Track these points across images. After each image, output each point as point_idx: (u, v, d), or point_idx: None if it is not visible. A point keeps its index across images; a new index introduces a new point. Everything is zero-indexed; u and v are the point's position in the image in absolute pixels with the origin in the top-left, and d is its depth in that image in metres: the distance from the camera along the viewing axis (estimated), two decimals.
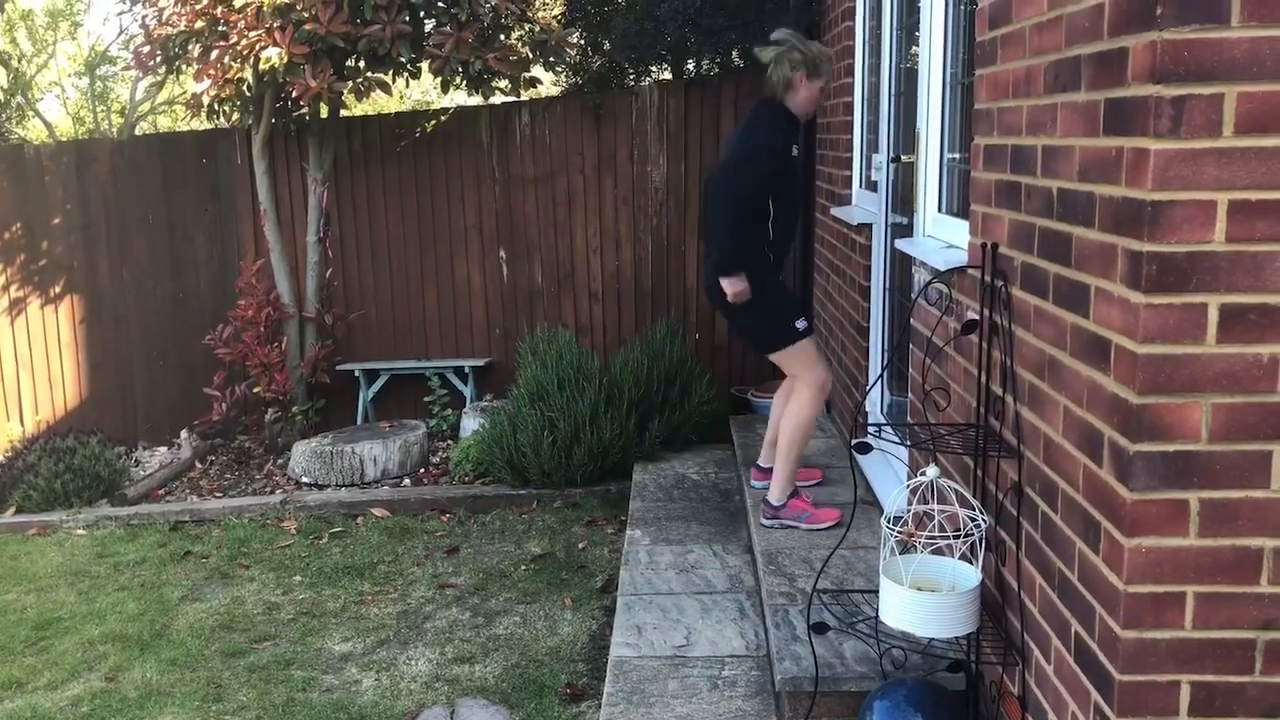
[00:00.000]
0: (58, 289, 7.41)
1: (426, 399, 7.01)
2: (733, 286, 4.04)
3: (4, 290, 7.41)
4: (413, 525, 5.59)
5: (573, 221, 6.98)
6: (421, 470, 6.41)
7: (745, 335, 4.25)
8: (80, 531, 5.84)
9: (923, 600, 2.53)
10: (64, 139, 10.28)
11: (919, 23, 3.87)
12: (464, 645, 4.17)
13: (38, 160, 7.36)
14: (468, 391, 6.98)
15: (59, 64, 11.49)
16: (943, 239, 3.54)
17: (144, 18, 6.33)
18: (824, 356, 4.27)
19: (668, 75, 7.87)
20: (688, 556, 4.37)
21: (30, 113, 11.74)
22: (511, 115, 6.95)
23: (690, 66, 7.84)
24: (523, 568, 4.92)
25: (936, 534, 2.66)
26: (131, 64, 6.53)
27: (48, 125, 10.78)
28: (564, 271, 7.03)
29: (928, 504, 2.75)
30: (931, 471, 2.64)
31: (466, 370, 7.01)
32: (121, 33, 11.83)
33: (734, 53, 7.33)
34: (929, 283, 3.35)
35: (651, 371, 5.94)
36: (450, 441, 6.83)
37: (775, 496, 4.23)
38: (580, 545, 5.18)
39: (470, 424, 6.50)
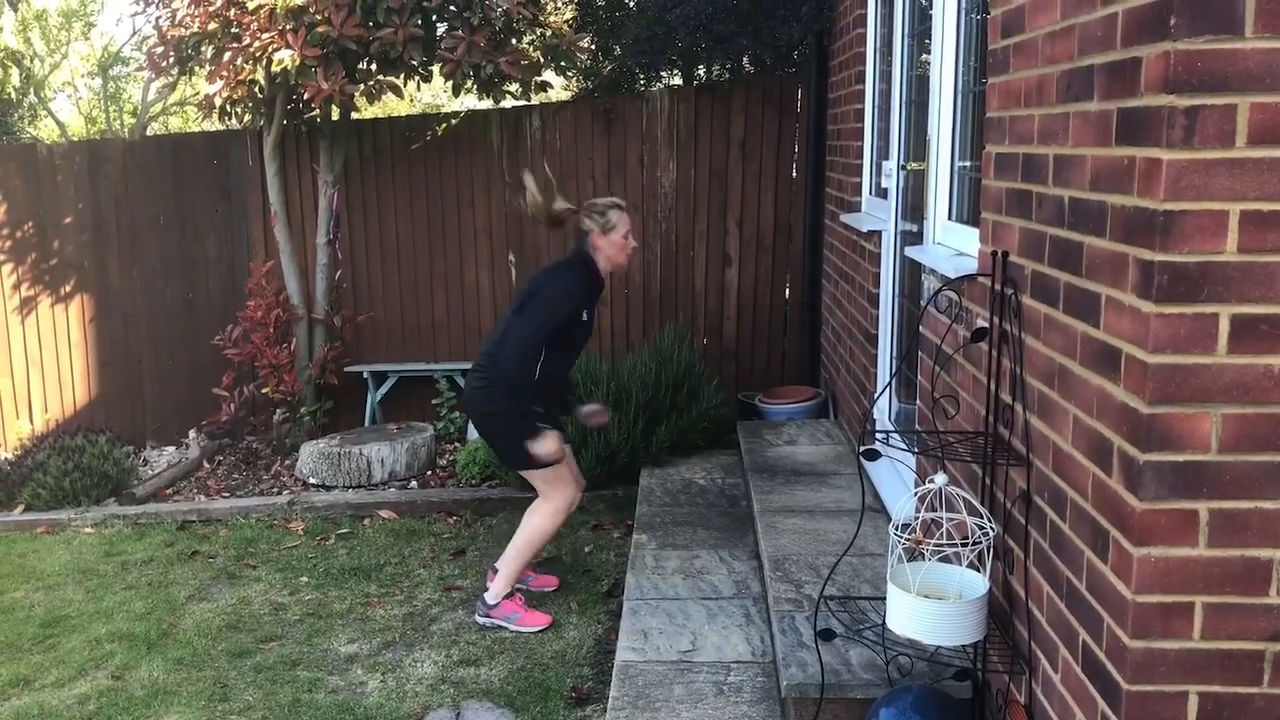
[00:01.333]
0: (68, 288, 7.44)
1: (434, 401, 7.02)
2: (542, 447, 4.11)
3: (15, 289, 7.44)
4: (419, 527, 5.60)
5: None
6: (429, 472, 6.41)
7: (497, 450, 4.42)
8: (88, 530, 5.85)
9: (930, 608, 2.53)
10: (76, 139, 10.33)
11: (930, 30, 3.87)
12: (470, 648, 4.18)
13: (50, 160, 7.40)
14: None
15: (72, 64, 11.54)
16: (953, 247, 3.54)
17: (157, 19, 6.36)
18: (573, 480, 4.37)
19: (678, 80, 7.88)
20: (694, 562, 4.37)
21: (43, 112, 11.79)
22: (522, 119, 6.97)
23: (700, 72, 7.86)
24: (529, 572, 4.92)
25: (944, 542, 2.66)
26: (144, 65, 6.56)
27: (60, 125, 10.83)
28: None
29: (936, 512, 2.75)
30: (940, 479, 2.64)
31: None
32: (135, 34, 11.89)
33: (745, 59, 7.34)
34: (939, 290, 3.35)
35: (659, 376, 5.94)
36: (457, 444, 6.83)
37: (491, 595, 4.36)
38: (586, 549, 5.18)
39: None
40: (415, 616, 4.50)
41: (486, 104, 6.73)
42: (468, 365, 6.99)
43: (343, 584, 4.88)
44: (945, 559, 2.72)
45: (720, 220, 6.88)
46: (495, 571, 4.46)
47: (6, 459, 6.83)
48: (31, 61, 10.92)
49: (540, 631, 4.28)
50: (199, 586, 4.96)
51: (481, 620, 4.36)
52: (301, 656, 4.17)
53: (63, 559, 5.42)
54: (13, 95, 10.54)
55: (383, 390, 7.13)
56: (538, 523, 4.31)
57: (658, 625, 3.78)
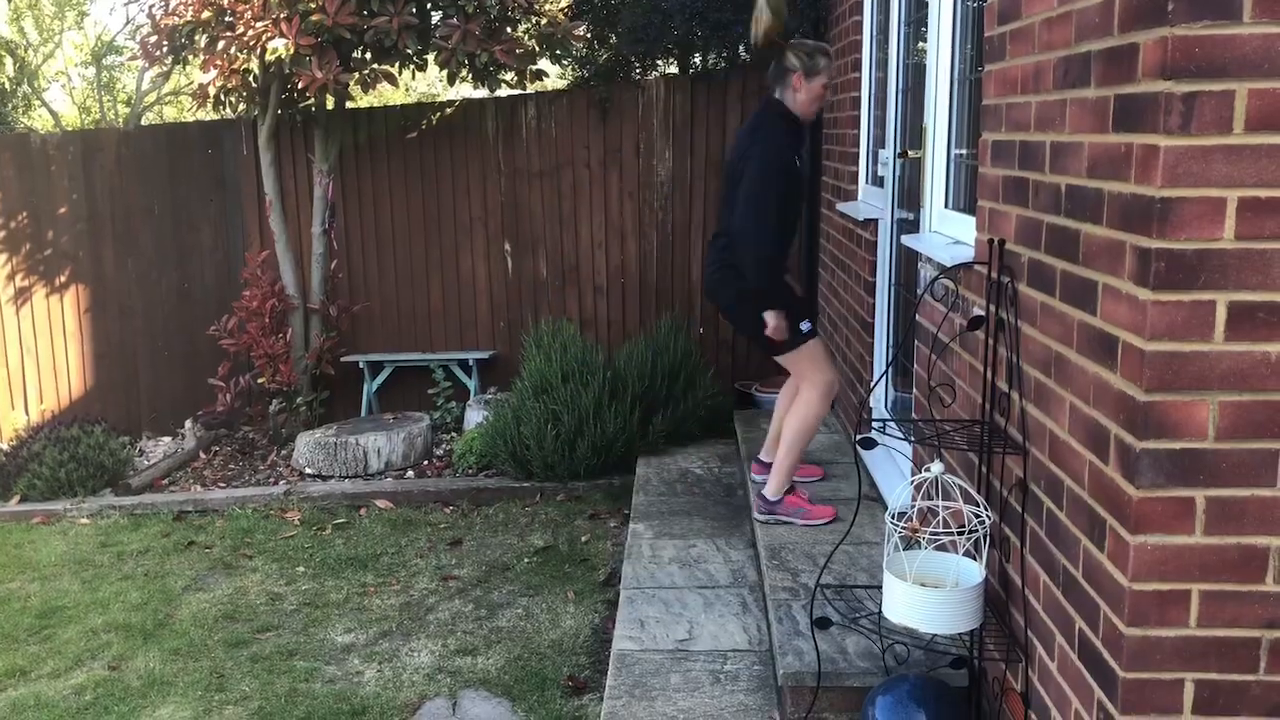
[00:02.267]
0: (63, 278, 7.41)
1: (430, 391, 7.01)
2: (774, 320, 4.00)
3: (10, 279, 7.41)
4: (416, 517, 5.60)
5: (578, 215, 6.97)
6: (425, 462, 6.41)
7: (752, 336, 4.24)
8: (84, 520, 5.85)
9: (926, 596, 2.53)
10: (70, 129, 10.28)
11: (927, 18, 3.86)
12: (466, 637, 4.18)
13: (44, 150, 7.36)
14: (471, 384, 6.98)
15: (66, 53, 11.49)
16: (949, 235, 3.54)
17: (151, 8, 6.32)
18: (831, 358, 4.26)
19: (674, 69, 7.85)
20: (691, 550, 4.37)
21: (36, 102, 11.74)
22: (517, 108, 6.94)
23: (697, 61, 7.83)
24: (525, 560, 4.92)
25: (941, 530, 2.66)
26: (138, 54, 6.52)
27: (54, 115, 10.78)
28: (569, 265, 7.02)
29: (932, 500, 2.74)
30: (936, 467, 2.64)
31: (470, 363, 7.01)
32: (128, 23, 11.83)
33: (741, 47, 7.32)
34: (935, 279, 3.34)
35: (656, 365, 5.94)
36: (454, 434, 6.83)
37: (772, 491, 4.23)
38: (583, 538, 5.18)
39: (474, 416, 6.50)
40: (412, 606, 4.50)
41: (482, 93, 6.71)
42: (464, 355, 7.00)
43: (339, 574, 4.88)
44: (941, 547, 2.72)
45: (717, 209, 6.86)
46: (760, 464, 4.42)
47: (2, 450, 6.82)
48: (25, 51, 10.87)
49: (825, 524, 4.15)
50: (195, 577, 4.95)
51: (761, 518, 4.21)
52: (298, 646, 4.17)
53: (59, 550, 5.41)
54: (6, 85, 10.49)
55: (379, 380, 7.12)
56: (804, 409, 4.14)
57: (654, 614, 3.78)
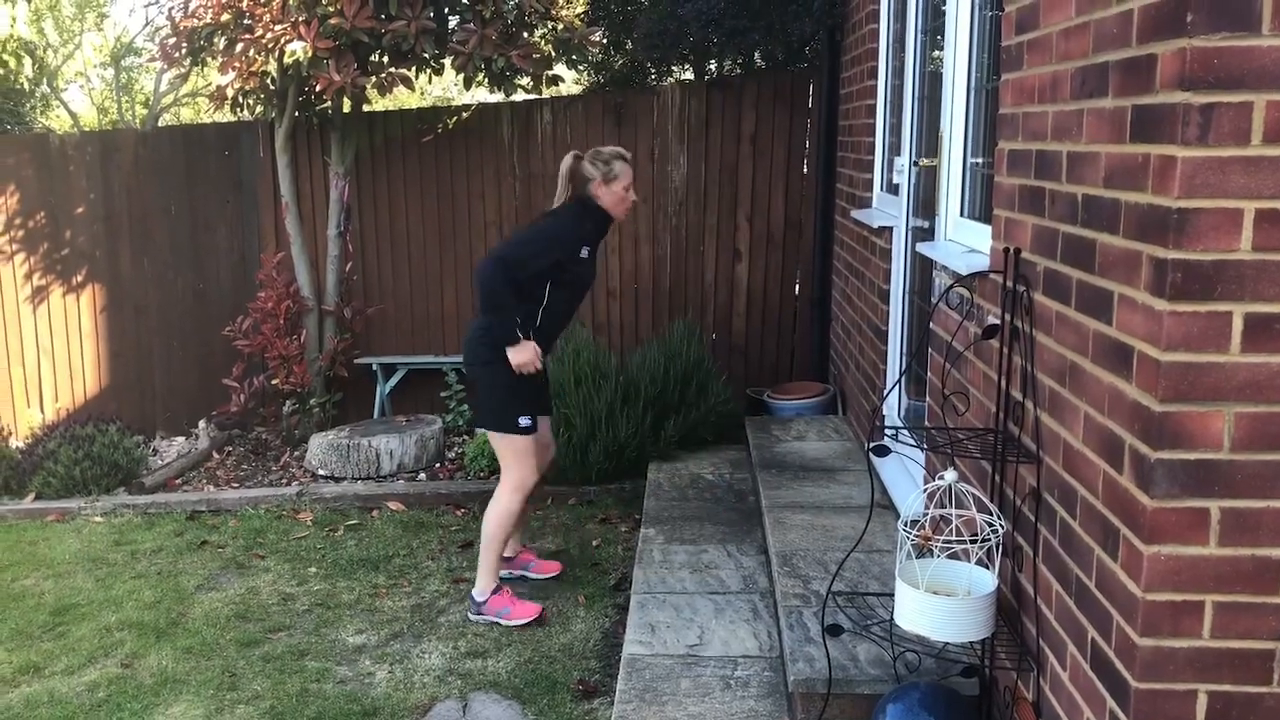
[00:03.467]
0: (80, 278, 7.46)
1: (443, 394, 7.03)
2: (517, 355, 4.12)
3: (27, 278, 7.46)
4: (427, 519, 5.61)
5: None
6: (437, 465, 6.43)
7: (479, 401, 4.38)
8: (98, 519, 5.88)
9: (938, 604, 2.53)
10: (88, 129, 10.35)
11: (944, 26, 3.86)
12: (477, 640, 4.19)
13: (63, 150, 7.41)
14: None
15: (85, 54, 11.57)
16: (965, 243, 3.54)
17: (170, 9, 6.36)
18: (536, 457, 4.32)
19: (689, 75, 7.87)
20: (702, 556, 4.37)
21: (55, 102, 11.83)
22: (533, 113, 6.97)
23: (712, 66, 7.85)
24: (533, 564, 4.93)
25: (953, 538, 2.66)
26: (157, 55, 6.57)
27: (73, 115, 10.86)
28: None
29: (945, 508, 2.74)
30: (950, 475, 2.64)
31: None
32: (147, 24, 11.92)
33: (756, 54, 7.34)
34: (950, 287, 3.34)
35: (668, 370, 5.94)
36: (466, 437, 6.85)
37: (478, 591, 4.36)
38: (594, 543, 5.19)
39: None
40: (423, 608, 4.51)
41: (498, 97, 6.74)
42: None
43: (351, 575, 4.90)
44: (954, 556, 2.72)
45: (731, 215, 6.88)
46: (504, 559, 4.51)
47: (18, 447, 6.86)
48: (44, 52, 10.95)
49: (530, 623, 4.26)
50: (208, 576, 4.98)
51: (475, 619, 4.35)
52: (310, 646, 4.18)
53: (73, 547, 5.44)
54: (25, 85, 10.56)
55: (392, 382, 7.15)
56: (497, 504, 4.30)
57: (665, 619, 3.79)
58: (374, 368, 7.13)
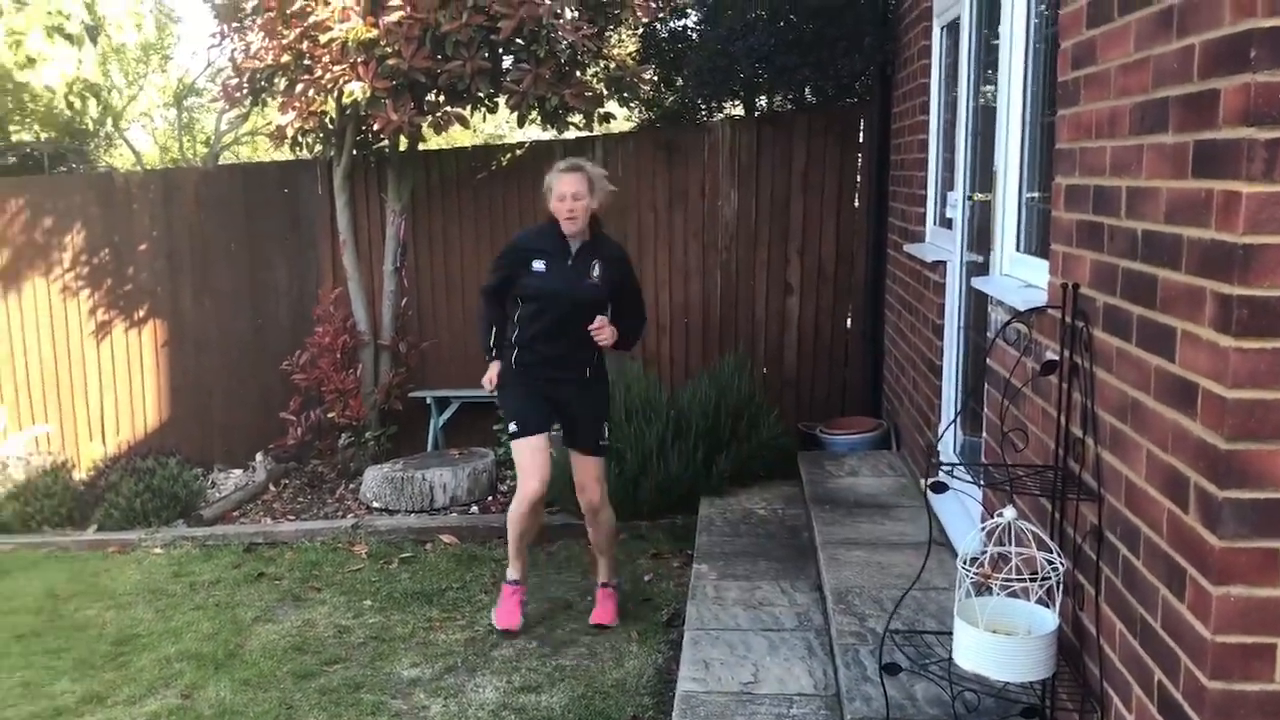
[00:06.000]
0: (142, 313, 7.63)
1: (495, 427, 7.06)
2: (487, 377, 4.61)
3: (91, 314, 7.65)
4: (480, 553, 5.64)
5: (642, 255, 7.02)
6: (489, 498, 6.47)
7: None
8: (158, 550, 5.98)
9: (998, 643, 2.50)
10: (150, 167, 10.64)
11: (997, 61, 3.86)
12: (530, 674, 4.19)
13: (127, 189, 7.62)
14: None
15: (149, 96, 11.91)
16: (1021, 278, 3.51)
17: (233, 51, 6.54)
18: (533, 472, 4.42)
19: (739, 111, 7.92)
20: (755, 593, 4.35)
21: (118, 141, 12.17)
22: (585, 150, 7.03)
23: (762, 102, 7.89)
24: (588, 598, 4.93)
25: (1013, 577, 2.63)
26: (219, 96, 6.75)
27: (136, 154, 11.17)
28: None
29: (1004, 546, 2.71)
30: (1009, 513, 2.61)
31: None
32: (209, 65, 12.24)
33: (806, 90, 7.36)
34: (1008, 322, 3.32)
35: (720, 405, 5.93)
36: None
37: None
38: (646, 578, 5.18)
39: None
40: (477, 642, 4.53)
41: (550, 135, 6.82)
42: None
43: (405, 608, 4.93)
44: (1013, 594, 2.68)
45: (781, 249, 6.88)
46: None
47: (81, 480, 7.01)
48: (108, 93, 11.28)
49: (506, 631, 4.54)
50: (265, 608, 5.04)
51: None
52: (365, 679, 4.21)
53: (133, 578, 5.54)
54: (89, 125, 10.87)
55: (445, 416, 7.21)
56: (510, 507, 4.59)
57: (719, 656, 3.77)
58: (428, 401, 7.20)
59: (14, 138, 9.99)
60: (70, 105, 10.32)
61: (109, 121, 11.34)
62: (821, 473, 5.44)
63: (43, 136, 10.10)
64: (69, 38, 11.17)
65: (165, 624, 4.90)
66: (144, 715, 4.01)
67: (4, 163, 10.13)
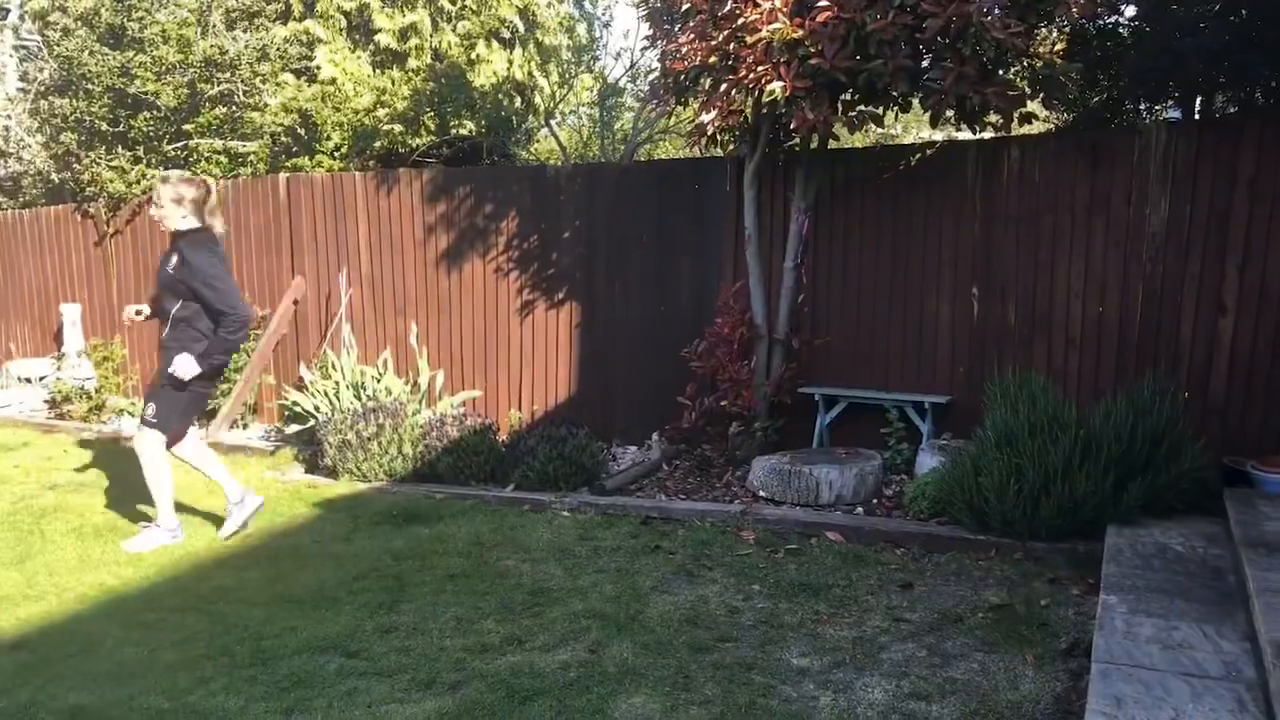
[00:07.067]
0: (561, 295, 8.29)
1: (883, 430, 7.02)
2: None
3: (518, 293, 8.42)
4: (865, 554, 5.63)
5: (1055, 262, 6.69)
6: (874, 500, 6.43)
7: None
8: (565, 513, 6.49)
9: None
10: (575, 162, 11.55)
11: None
12: (920, 682, 4.14)
13: (556, 180, 8.30)
14: (924, 427, 6.91)
15: (576, 95, 12.92)
16: None
17: (663, 52, 6.92)
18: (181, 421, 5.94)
19: (1170, 113, 7.32)
20: (1173, 633, 4.02)
21: (539, 135, 13.29)
22: (1000, 151, 6.80)
23: (1198, 103, 7.24)
24: (979, 615, 4.79)
25: None
26: (645, 95, 7.18)
27: (562, 148, 12.15)
28: (1040, 313, 6.75)
29: None
30: None
31: (926, 406, 6.94)
32: (632, 67, 13.05)
33: (1257, 91, 6.67)
34: None
35: (1136, 428, 5.53)
36: (903, 476, 6.79)
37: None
38: (1042, 602, 4.94)
39: (927, 461, 6.43)
40: (864, 641, 4.53)
41: (942, 134, 6.64)
42: (919, 397, 6.96)
43: (792, 598, 5.03)
44: None
45: (1217, 264, 6.28)
46: None
47: (503, 441, 7.74)
48: (532, 92, 12.34)
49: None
50: (660, 579, 5.32)
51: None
52: (755, 661, 4.34)
53: (544, 537, 6.05)
54: (513, 121, 11.94)
55: (833, 414, 7.26)
56: None
57: (1132, 694, 3.53)
58: (815, 397, 7.28)
59: (453, 131, 11.18)
60: (499, 101, 11.41)
61: (531, 117, 12.42)
62: (1254, 513, 4.94)
63: (476, 131, 11.24)
64: (503, 42, 12.37)
65: (573, 581, 5.31)
66: (557, 663, 4.37)
67: (442, 154, 11.39)
